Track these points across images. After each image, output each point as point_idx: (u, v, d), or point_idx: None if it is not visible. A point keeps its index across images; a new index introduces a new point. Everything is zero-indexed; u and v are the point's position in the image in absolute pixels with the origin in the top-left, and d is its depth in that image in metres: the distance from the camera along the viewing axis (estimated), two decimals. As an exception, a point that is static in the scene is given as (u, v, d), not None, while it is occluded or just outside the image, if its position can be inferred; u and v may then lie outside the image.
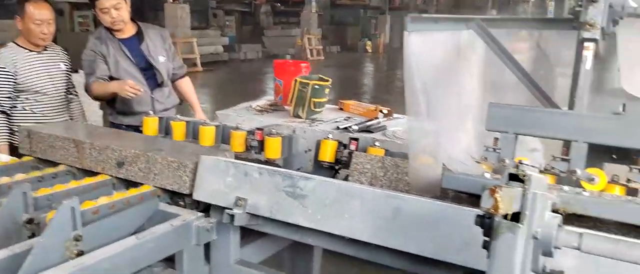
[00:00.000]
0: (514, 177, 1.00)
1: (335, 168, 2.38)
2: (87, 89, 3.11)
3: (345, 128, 3.47)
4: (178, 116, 2.69)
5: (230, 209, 1.72)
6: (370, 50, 24.40)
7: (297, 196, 1.61)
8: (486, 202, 0.84)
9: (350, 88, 12.95)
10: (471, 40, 2.05)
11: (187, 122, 2.60)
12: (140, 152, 1.97)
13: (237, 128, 2.47)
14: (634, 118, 1.78)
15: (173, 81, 3.37)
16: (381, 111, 3.93)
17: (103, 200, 1.77)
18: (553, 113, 1.78)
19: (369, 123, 3.63)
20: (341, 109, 4.24)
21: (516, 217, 0.99)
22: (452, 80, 1.92)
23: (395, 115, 3.90)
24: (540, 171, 1.86)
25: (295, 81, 3.81)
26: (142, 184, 1.97)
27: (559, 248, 1.03)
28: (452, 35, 1.94)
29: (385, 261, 1.54)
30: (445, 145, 1.81)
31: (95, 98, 3.23)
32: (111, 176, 2.06)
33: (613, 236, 1.28)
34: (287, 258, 2.36)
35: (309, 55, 19.34)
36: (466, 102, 2.01)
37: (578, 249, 1.01)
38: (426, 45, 1.72)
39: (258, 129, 2.43)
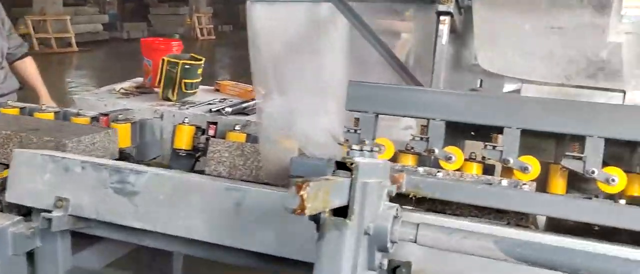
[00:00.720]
0: (342, 166, 0.86)
1: (196, 156, 2.17)
2: None
3: (218, 111, 3.24)
4: (9, 102, 2.31)
5: (50, 211, 1.45)
6: (264, 30, 24.00)
7: (126, 193, 1.39)
8: (291, 202, 0.69)
9: (244, 69, 12.61)
10: (332, 14, 1.91)
11: (21, 108, 2.23)
12: (13, 133, 1.75)
13: (78, 114, 2.16)
14: (489, 95, 1.76)
15: (11, 63, 2.92)
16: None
17: None
18: (411, 91, 1.71)
19: (244, 105, 3.43)
20: (218, 90, 3.99)
21: (345, 211, 0.85)
22: (310, 57, 1.78)
23: (274, 96, 3.73)
24: (401, 152, 1.80)
25: (163, 60, 3.50)
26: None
27: (395, 242, 0.92)
28: (309, 7, 1.79)
29: (231, 260, 1.37)
30: (303, 127, 1.66)
31: None
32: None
33: (458, 220, 1.21)
34: (146, 259, 2.12)
35: (199, 35, 18.58)
36: (328, 80, 1.88)
37: (414, 242, 0.90)
38: (276, 19, 1.56)
39: (103, 114, 2.14)
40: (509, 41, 1.78)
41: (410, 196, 1.28)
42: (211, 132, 2.05)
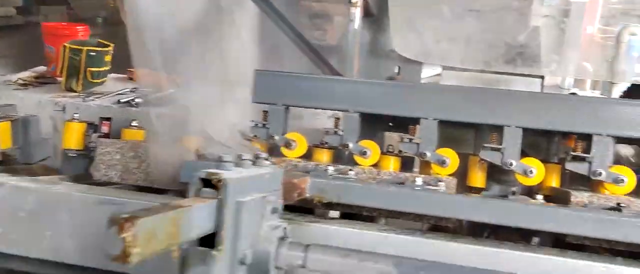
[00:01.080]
0: (209, 183, 0.70)
1: (90, 157, 1.93)
2: None
3: (128, 102, 2.97)
4: None
5: None
6: (195, 13, 23.23)
7: (-21, 210, 1.15)
8: (113, 247, 0.52)
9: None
10: (238, -4, 1.73)
11: None
12: None
13: (-54, 113, 1.86)
14: (404, 84, 1.65)
15: None
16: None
17: None
18: (323, 80, 1.56)
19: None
20: (131, 79, 3.69)
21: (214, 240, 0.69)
22: (210, 42, 1.59)
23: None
24: (316, 146, 1.65)
25: (64, 47, 3.18)
26: None
27: (281, 269, 0.77)
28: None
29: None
30: (202, 122, 1.48)
31: None
32: None
33: (367, 228, 1.08)
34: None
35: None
36: (234, 70, 1.70)
37: (303, 267, 0.76)
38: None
39: (-24, 112, 1.85)
40: (426, 25, 1.67)
41: (314, 202, 1.14)
42: (105, 129, 1.82)
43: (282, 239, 0.78)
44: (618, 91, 1.83)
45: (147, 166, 1.52)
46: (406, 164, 1.63)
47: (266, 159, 0.89)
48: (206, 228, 0.67)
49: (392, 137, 1.80)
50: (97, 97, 3.12)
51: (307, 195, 1.13)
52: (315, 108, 1.62)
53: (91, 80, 3.23)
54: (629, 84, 1.88)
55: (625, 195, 1.34)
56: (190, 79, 1.50)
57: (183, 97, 1.46)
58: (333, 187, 1.13)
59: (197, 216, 0.64)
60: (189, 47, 1.50)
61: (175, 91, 1.44)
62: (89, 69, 3.20)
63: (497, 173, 1.62)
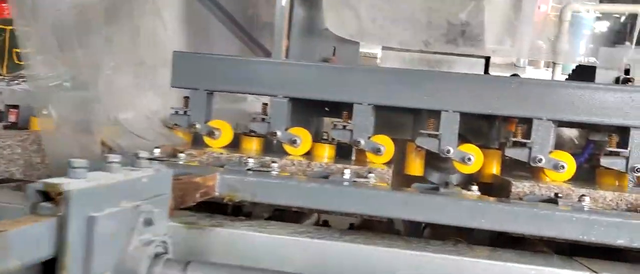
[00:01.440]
0: (48, 197, 0.56)
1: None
2: None
3: (59, 85, 2.76)
4: None
5: None
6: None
7: None
8: None
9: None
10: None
11: None
12: None
13: None
14: (337, 66, 1.53)
15: None
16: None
17: None
18: (248, 63, 1.42)
19: (92, 77, 2.97)
20: (66, 60, 3.45)
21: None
22: (123, 23, 1.43)
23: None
24: (245, 135, 1.52)
25: (-15, 26, 2.93)
26: None
27: (154, 292, 0.64)
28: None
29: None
30: (111, 111, 1.33)
31: None
32: None
33: (270, 230, 0.97)
34: None
35: None
36: (152, 52, 1.55)
37: (181, 291, 0.63)
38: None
39: None
40: (362, 1, 1.55)
41: (224, 201, 1.01)
42: (12, 118, 1.64)
43: (158, 255, 0.66)
44: (563, 71, 1.76)
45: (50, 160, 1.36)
46: (345, 151, 1.52)
47: (156, 159, 0.76)
48: (42, 253, 0.54)
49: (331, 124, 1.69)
50: (23, 81, 2.89)
51: (217, 194, 1.00)
52: (240, 93, 1.49)
53: (18, 62, 3.00)
54: (575, 64, 1.81)
55: (565, 182, 1.28)
56: (96, 62, 1.34)
57: (87, 81, 1.30)
58: (246, 184, 1.01)
59: (22, 241, 0.51)
60: (95, 25, 1.34)
61: (77, 74, 1.28)
62: (14, 49, 2.98)
63: (436, 160, 1.53)
